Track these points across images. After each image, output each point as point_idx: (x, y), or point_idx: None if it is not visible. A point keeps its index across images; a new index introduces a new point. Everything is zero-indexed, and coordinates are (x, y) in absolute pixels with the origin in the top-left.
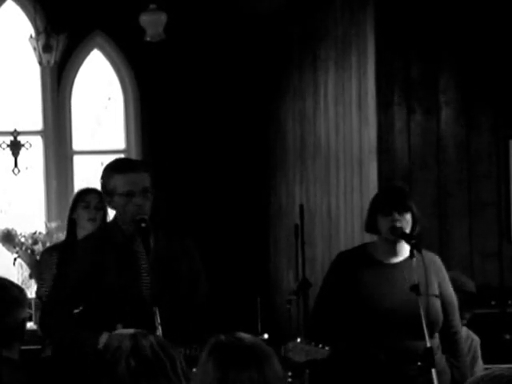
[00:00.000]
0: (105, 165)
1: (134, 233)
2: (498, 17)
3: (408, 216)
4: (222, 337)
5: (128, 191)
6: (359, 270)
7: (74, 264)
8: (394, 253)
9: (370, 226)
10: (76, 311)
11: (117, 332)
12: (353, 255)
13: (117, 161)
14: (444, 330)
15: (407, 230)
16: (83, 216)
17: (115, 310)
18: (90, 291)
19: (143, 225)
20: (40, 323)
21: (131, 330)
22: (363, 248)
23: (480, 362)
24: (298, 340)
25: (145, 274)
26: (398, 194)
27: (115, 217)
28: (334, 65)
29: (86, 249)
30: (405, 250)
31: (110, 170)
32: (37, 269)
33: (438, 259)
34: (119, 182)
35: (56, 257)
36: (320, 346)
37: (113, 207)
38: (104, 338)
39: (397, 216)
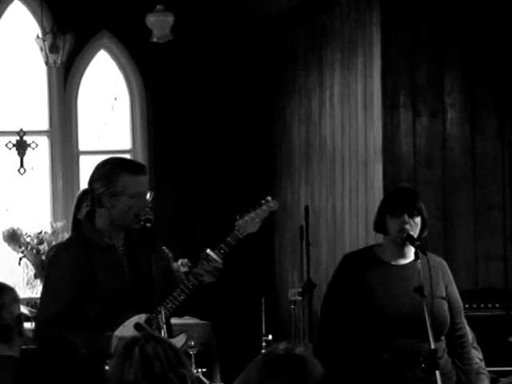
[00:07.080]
0: (108, 163)
1: (118, 234)
2: (504, 20)
3: (418, 219)
4: (278, 346)
5: (139, 193)
6: (366, 271)
7: (62, 276)
8: (402, 254)
9: (379, 225)
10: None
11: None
12: (359, 257)
13: (124, 161)
14: (450, 332)
15: (415, 233)
16: None
17: (108, 314)
18: (86, 298)
19: (148, 224)
20: (38, 341)
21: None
22: (370, 249)
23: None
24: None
25: (128, 276)
26: (409, 196)
27: (92, 220)
28: (339, 66)
29: (72, 258)
30: (412, 251)
31: (120, 170)
32: (42, 268)
33: (444, 262)
34: (131, 183)
35: None
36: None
37: (112, 206)
38: (115, 341)
39: (407, 219)
